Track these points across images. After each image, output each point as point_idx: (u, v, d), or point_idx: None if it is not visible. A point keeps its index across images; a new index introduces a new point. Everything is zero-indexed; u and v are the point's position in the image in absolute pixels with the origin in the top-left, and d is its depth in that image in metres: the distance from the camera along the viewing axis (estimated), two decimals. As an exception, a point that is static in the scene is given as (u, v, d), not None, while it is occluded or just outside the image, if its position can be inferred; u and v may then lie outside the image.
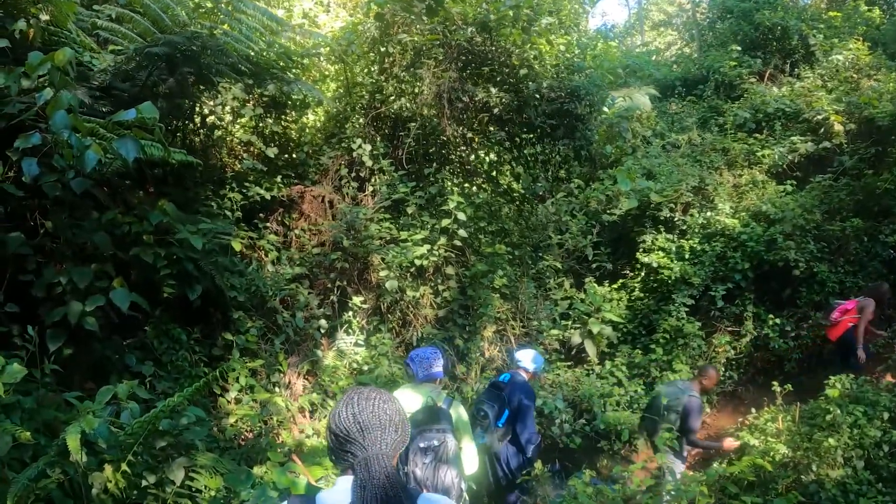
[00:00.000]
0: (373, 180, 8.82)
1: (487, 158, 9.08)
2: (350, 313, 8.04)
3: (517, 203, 9.02)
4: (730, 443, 6.89)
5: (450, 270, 8.12)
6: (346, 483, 1.95)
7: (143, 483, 3.83)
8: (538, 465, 5.28)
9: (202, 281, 6.30)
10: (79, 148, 4.46)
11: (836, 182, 11.00)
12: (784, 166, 11.65)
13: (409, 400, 4.43)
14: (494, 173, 9.05)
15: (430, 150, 9.15)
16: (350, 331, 8.03)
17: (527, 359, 6.06)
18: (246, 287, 7.01)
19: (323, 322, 7.62)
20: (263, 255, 7.96)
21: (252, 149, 8.66)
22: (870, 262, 9.88)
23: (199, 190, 7.84)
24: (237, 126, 8.95)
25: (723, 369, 9.83)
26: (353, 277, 8.05)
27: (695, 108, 14.03)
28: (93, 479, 3.57)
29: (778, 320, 9.81)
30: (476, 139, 8.49)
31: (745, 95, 13.42)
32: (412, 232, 8.06)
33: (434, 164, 8.85)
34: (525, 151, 8.53)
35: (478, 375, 8.43)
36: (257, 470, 5.69)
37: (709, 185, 11.17)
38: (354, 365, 7.76)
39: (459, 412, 4.46)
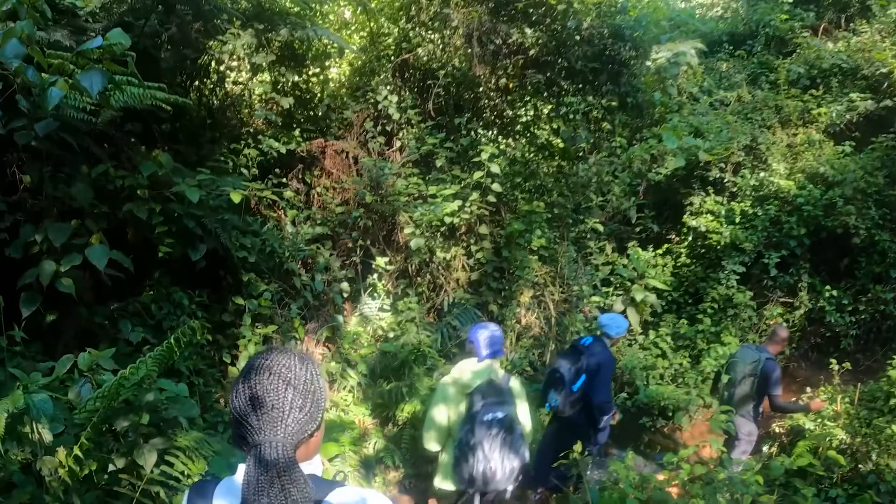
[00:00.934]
0: (400, 134, 7.96)
1: (524, 111, 8.14)
2: (375, 276, 7.21)
3: (556, 159, 8.06)
4: (818, 403, 6.51)
5: (483, 230, 7.22)
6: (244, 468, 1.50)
7: (112, 468, 3.12)
8: (577, 446, 4.76)
9: (207, 240, 5.54)
10: (39, 84, 3.69)
11: (899, 143, 9.97)
12: (842, 125, 10.56)
13: (471, 377, 4.26)
14: (531, 127, 8.09)
15: (462, 101, 8.25)
16: (375, 295, 7.20)
17: (610, 323, 5.78)
18: (260, 248, 6.25)
19: (345, 285, 6.81)
20: (283, 215, 7.21)
21: (271, 104, 7.89)
22: (935, 231, 8.87)
23: (213, 147, 7.09)
24: (256, 82, 8.20)
25: (774, 343, 9.12)
26: (378, 237, 7.23)
27: (744, 64, 12.92)
28: (41, 465, 2.86)
29: (835, 292, 8.99)
30: (511, 85, 7.55)
31: (798, 51, 12.28)
32: (442, 187, 7.15)
33: (466, 115, 7.95)
34: (565, 100, 7.57)
35: (514, 344, 7.60)
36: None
37: (761, 143, 10.15)
38: (379, 331, 6.96)
39: (517, 384, 4.39)
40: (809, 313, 9.14)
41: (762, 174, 9.86)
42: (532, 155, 7.89)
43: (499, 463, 4.10)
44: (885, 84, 10.88)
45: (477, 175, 7.00)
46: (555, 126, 8.06)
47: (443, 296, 7.33)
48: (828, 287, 9.04)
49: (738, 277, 9.27)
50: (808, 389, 7.61)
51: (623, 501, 4.72)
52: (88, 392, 3.04)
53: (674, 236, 10.41)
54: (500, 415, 4.09)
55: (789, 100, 11.03)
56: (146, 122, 6.04)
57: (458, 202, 6.98)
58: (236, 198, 5.33)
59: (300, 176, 7.59)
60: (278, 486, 1.40)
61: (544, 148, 8.02)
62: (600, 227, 9.04)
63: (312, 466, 1.63)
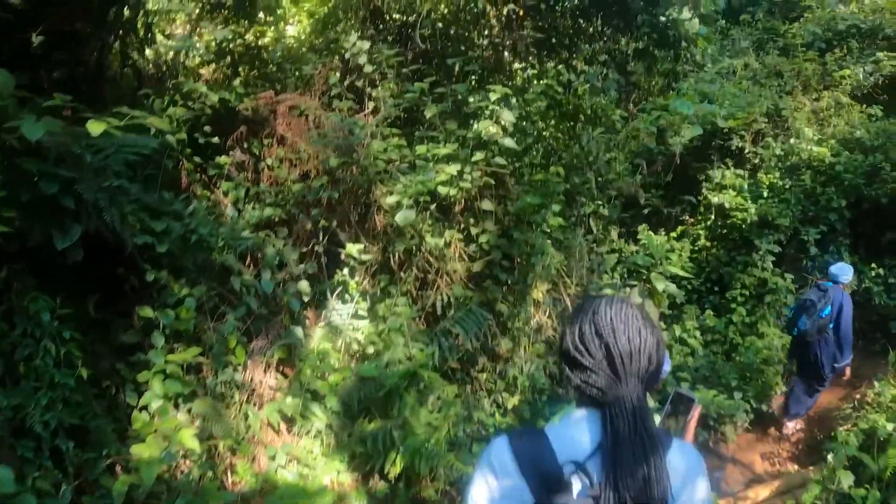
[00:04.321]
0: (374, 93, 5.58)
1: (527, 64, 5.81)
2: (345, 271, 4.81)
3: (566, 121, 5.74)
4: None
5: (487, 205, 4.86)
6: (582, 416, 1.35)
7: None
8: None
9: (86, 219, 3.18)
10: None
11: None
12: (868, 88, 8.68)
13: None
14: (543, 77, 5.71)
15: (449, 52, 5.90)
16: (346, 297, 4.79)
17: (841, 271, 5.91)
18: (181, 235, 3.85)
19: (304, 285, 4.43)
20: (221, 195, 4.84)
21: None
22: None
23: (125, 106, 4.71)
24: (197, 38, 5.91)
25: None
26: (348, 218, 4.83)
27: (748, 31, 11.03)
28: None
29: (881, 271, 7.42)
30: (521, 12, 5.23)
31: (807, 14, 10.44)
32: (432, 146, 4.78)
33: (459, 59, 5.58)
34: (588, 36, 5.25)
35: (528, 351, 5.28)
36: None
37: (783, 109, 8.11)
38: (354, 347, 4.57)
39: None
40: (853, 295, 7.24)
41: (792, 141, 7.85)
42: (538, 113, 5.56)
43: None
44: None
45: (484, 124, 4.60)
46: (570, 78, 5.74)
47: (436, 295, 4.98)
48: (872, 265, 7.49)
49: (772, 259, 7.24)
50: (877, 384, 5.85)
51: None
52: None
53: (687, 217, 8.31)
54: None
55: (807, 63, 9.12)
56: (35, 69, 3.98)
57: (456, 166, 4.59)
58: (95, 129, 2.91)
59: (244, 144, 5.19)
60: (640, 437, 1.29)
61: (552, 107, 5.70)
62: (605, 211, 6.87)
63: None
